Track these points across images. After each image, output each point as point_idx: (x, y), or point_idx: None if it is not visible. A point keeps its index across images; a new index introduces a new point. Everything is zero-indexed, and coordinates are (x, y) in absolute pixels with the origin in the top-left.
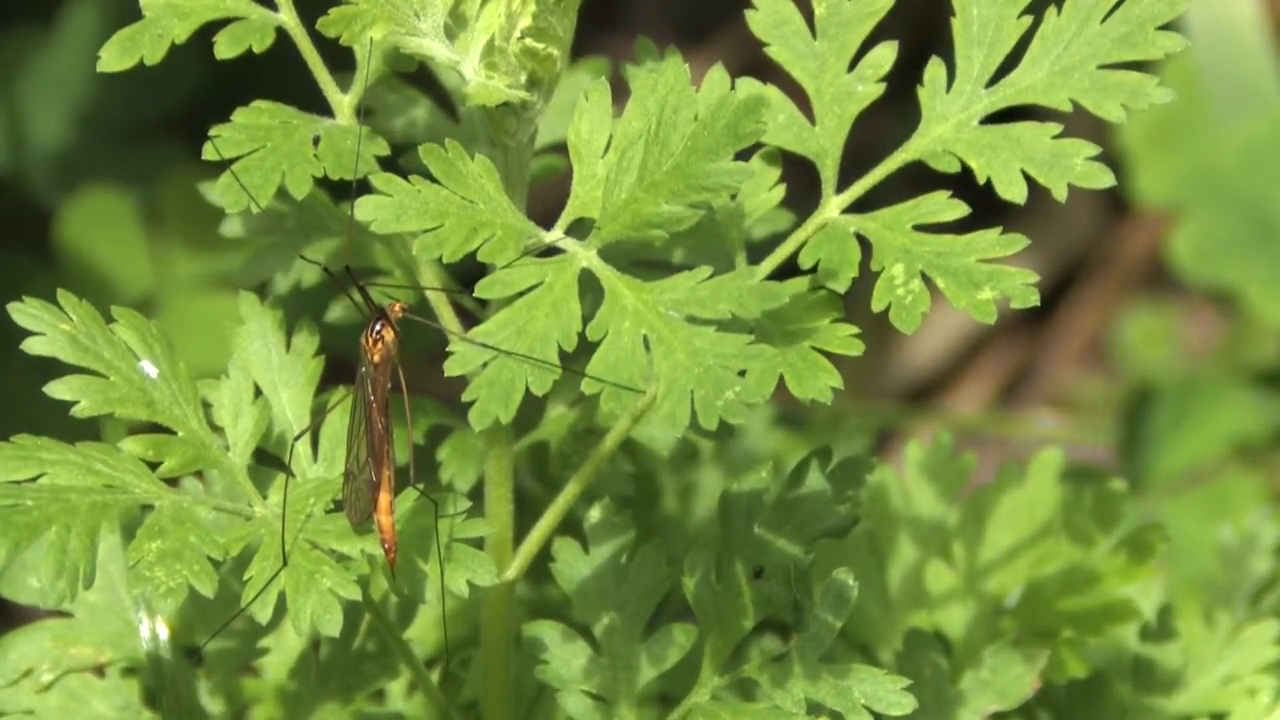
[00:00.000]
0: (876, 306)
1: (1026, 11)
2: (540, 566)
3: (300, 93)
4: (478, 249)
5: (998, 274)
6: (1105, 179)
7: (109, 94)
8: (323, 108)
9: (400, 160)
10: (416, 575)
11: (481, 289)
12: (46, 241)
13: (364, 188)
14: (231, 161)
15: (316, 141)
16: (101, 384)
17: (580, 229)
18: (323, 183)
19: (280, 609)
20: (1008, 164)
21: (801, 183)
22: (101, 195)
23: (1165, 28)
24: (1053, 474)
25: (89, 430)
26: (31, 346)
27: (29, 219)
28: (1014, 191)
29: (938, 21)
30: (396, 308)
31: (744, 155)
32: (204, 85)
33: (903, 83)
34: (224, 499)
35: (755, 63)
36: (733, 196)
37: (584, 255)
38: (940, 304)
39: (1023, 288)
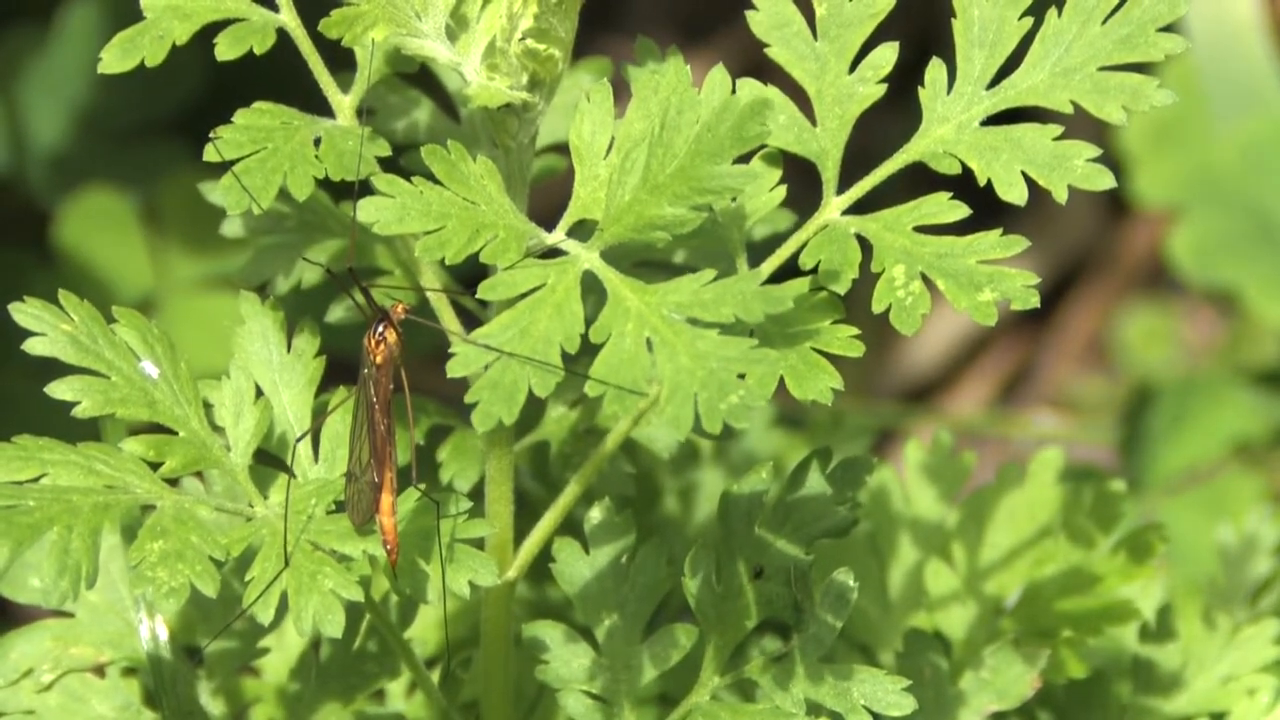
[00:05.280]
0: (877, 308)
1: (1027, 13)
2: (541, 567)
3: (298, 93)
4: (480, 250)
5: (998, 275)
6: (1105, 181)
7: (108, 94)
8: (321, 108)
9: (401, 161)
10: (418, 576)
11: (484, 290)
12: (45, 242)
13: (366, 189)
14: (233, 162)
15: (318, 143)
16: (103, 384)
17: (582, 230)
18: (324, 183)
19: (282, 609)
20: (1008, 166)
21: (802, 184)
22: (100, 195)
23: (1165, 29)
24: (1052, 474)
25: (90, 430)
26: (33, 347)
27: (28, 219)
28: (1014, 193)
29: (939, 23)
30: (399, 309)
31: (745, 157)
32: (202, 85)
33: (904, 84)
34: (224, 499)
35: (755, 63)
36: (734, 198)
37: (586, 257)
38: (940, 304)
39: (1023, 289)
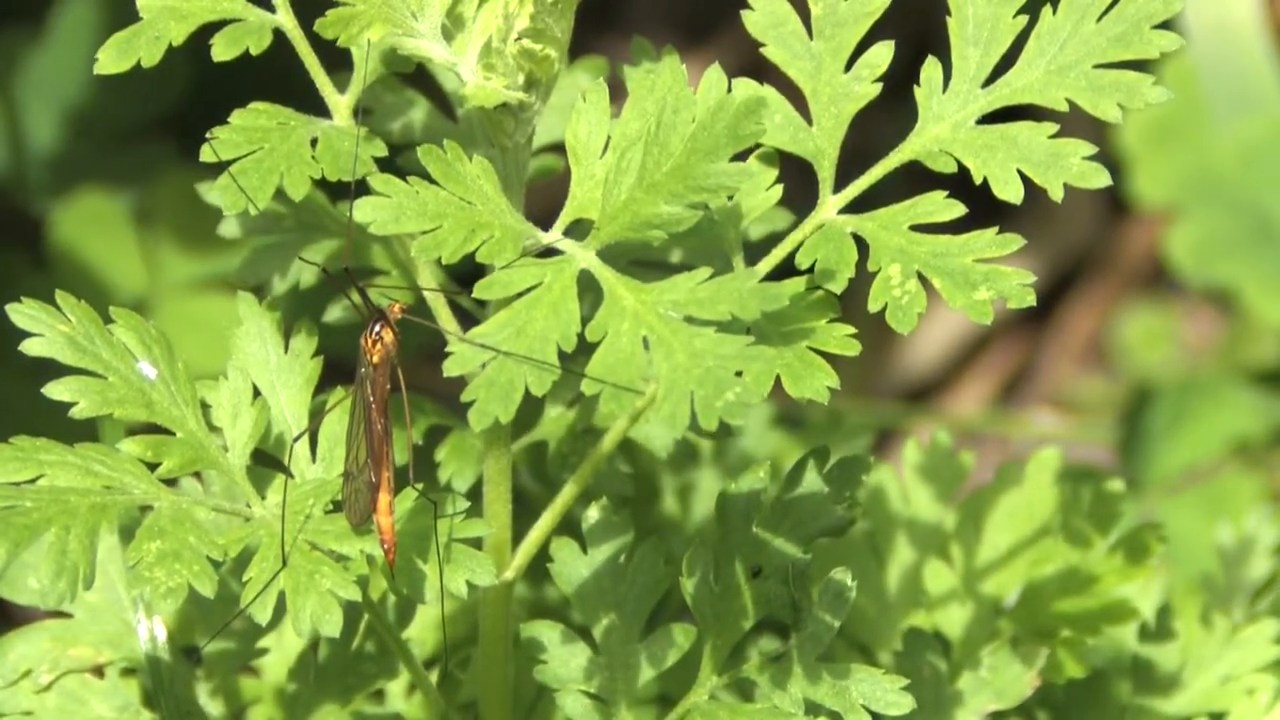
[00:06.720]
0: (873, 307)
1: (1022, 11)
2: (539, 566)
3: (288, 92)
4: (476, 250)
5: (994, 274)
6: (1101, 179)
7: (99, 95)
8: (313, 107)
9: (398, 161)
10: (415, 576)
11: (480, 290)
12: (39, 244)
13: (362, 188)
14: (228, 162)
15: (314, 143)
16: (100, 385)
17: (578, 229)
18: (320, 183)
19: (280, 610)
20: (1004, 164)
21: (798, 183)
22: (93, 197)
23: (1164, 27)
24: (1051, 473)
25: (87, 431)
26: (30, 348)
27: (21, 221)
28: (1010, 191)
29: (935, 21)
30: (395, 309)
31: (741, 156)
32: (192, 85)
33: (901, 83)
34: (222, 500)
35: (754, 63)
36: (730, 197)
37: (583, 256)
38: (940, 304)
39: (1019, 288)
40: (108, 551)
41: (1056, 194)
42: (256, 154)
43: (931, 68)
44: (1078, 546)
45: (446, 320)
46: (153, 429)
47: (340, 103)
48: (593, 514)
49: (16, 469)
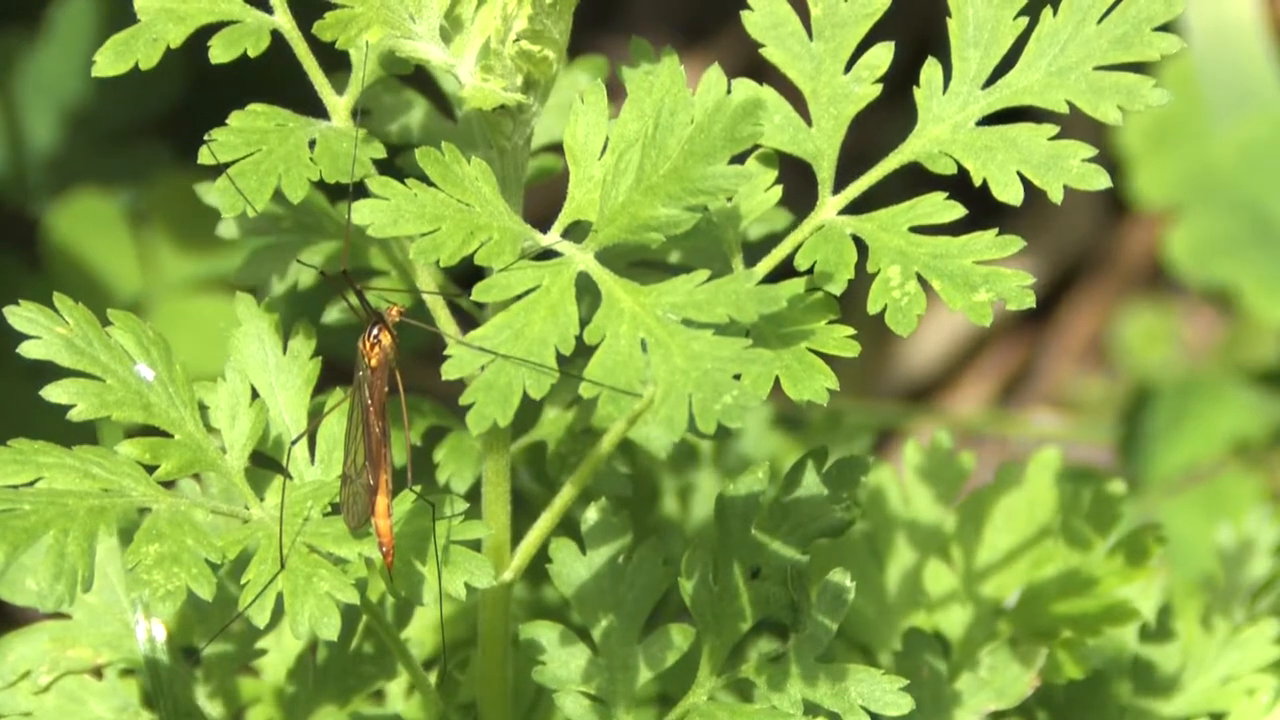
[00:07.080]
0: (872, 308)
1: (1023, 12)
2: (538, 567)
3: (281, 93)
4: (475, 252)
5: (993, 276)
6: (1101, 180)
7: (94, 96)
8: (307, 108)
9: (397, 162)
10: (414, 578)
11: (479, 292)
12: (34, 245)
13: (361, 190)
14: (225, 164)
15: (313, 144)
16: (98, 387)
17: (577, 231)
18: (320, 184)
19: (278, 612)
20: (1004, 165)
21: (798, 183)
22: (89, 198)
23: (1163, 28)
24: (1051, 474)
25: (86, 434)
26: (28, 350)
27: (16, 223)
28: (1009, 193)
29: (937, 23)
30: (394, 311)
31: (740, 157)
32: (188, 85)
33: (901, 84)
34: (221, 502)
35: (754, 64)
36: (729, 198)
37: (581, 258)
38: (940, 304)
39: (1018, 289)
40: (106, 553)
41: (1056, 196)
42: (255, 156)
43: (931, 69)
44: (1078, 548)
45: (445, 322)
46: (151, 431)
47: (339, 104)
48: (591, 515)
49: (15, 472)
